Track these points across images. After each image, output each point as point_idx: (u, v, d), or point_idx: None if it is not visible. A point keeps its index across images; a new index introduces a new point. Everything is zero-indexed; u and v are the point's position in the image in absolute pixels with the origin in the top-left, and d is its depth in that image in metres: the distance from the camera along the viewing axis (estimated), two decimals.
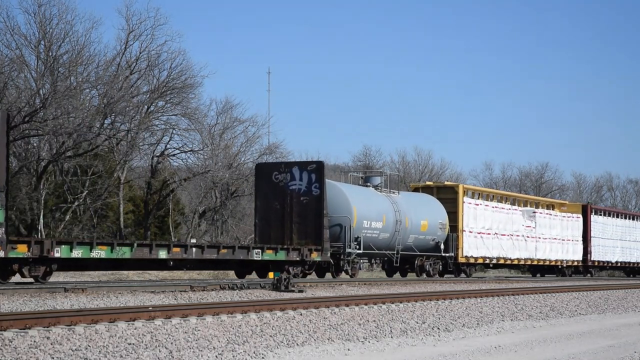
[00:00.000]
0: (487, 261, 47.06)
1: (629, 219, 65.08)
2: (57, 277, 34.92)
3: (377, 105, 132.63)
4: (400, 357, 14.16)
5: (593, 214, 59.15)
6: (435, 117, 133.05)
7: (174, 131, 56.82)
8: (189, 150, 58.34)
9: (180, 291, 23.36)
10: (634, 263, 64.58)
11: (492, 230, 46.95)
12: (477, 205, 45.83)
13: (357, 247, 35.99)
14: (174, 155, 56.83)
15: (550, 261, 53.24)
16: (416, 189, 46.73)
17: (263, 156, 61.27)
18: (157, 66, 55.78)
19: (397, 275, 43.12)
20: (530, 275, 56.96)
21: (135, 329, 14.15)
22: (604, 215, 61.44)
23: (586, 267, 58.63)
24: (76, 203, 51.74)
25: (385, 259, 40.89)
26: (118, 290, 22.80)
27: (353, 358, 13.91)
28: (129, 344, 12.98)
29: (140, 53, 55.12)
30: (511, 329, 19.37)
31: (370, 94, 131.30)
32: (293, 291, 25.25)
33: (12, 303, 18.60)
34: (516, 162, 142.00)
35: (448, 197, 44.66)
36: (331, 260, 34.92)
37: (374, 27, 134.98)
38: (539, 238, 51.60)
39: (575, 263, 56.46)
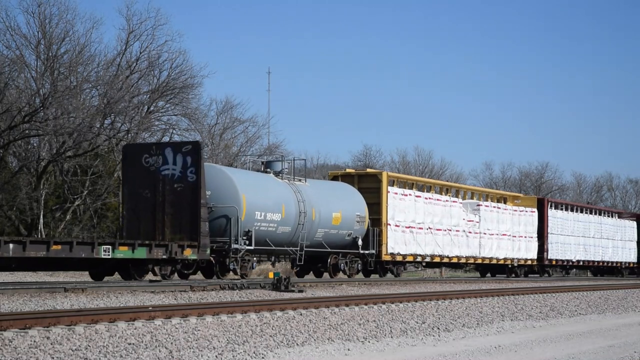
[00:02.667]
0: (419, 259, 41.87)
1: (594, 213, 60.08)
2: (58, 277, 34.95)
3: (377, 105, 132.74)
4: (400, 357, 14.16)
5: (551, 208, 54.22)
6: (435, 117, 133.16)
7: (174, 131, 56.89)
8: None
9: (180, 291, 23.36)
10: (599, 262, 59.69)
11: (424, 224, 41.71)
12: (405, 195, 40.63)
13: (248, 242, 31.02)
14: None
15: (497, 259, 48.17)
16: (335, 177, 40.84)
17: (263, 156, 61.30)
18: (158, 66, 55.89)
19: (311, 275, 37.95)
20: (479, 275, 51.67)
21: (135, 329, 14.15)
22: (564, 209, 56.34)
23: (542, 267, 53.85)
24: (76, 203, 51.75)
25: (290, 257, 35.66)
26: (118, 290, 22.80)
27: (353, 358, 13.91)
28: (129, 344, 12.98)
29: (140, 53, 55.22)
30: (511, 329, 19.37)
31: (370, 94, 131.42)
32: (293, 291, 25.25)
33: (12, 303, 18.60)
34: (516, 162, 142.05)
35: (371, 186, 39.37)
36: (211, 259, 30.01)
37: (374, 27, 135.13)
38: (484, 234, 46.50)
39: (529, 262, 51.38)
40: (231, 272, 31.44)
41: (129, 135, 53.28)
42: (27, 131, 48.70)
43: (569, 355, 15.02)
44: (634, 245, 64.29)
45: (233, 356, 13.04)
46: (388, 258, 39.37)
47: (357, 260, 37.32)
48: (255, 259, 31.83)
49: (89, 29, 53.72)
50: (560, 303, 26.25)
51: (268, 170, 34.56)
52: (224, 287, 25.12)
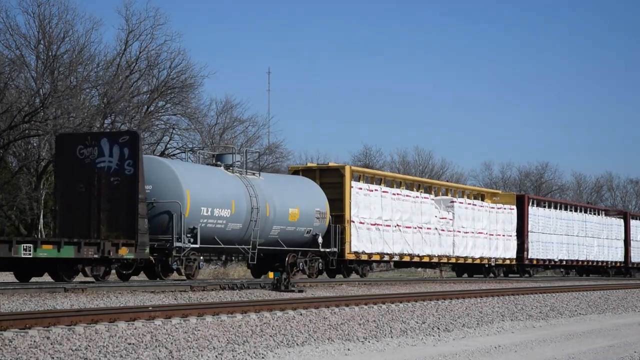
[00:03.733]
0: (387, 258, 39.37)
1: (578, 211, 57.63)
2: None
3: (377, 105, 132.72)
4: (400, 357, 14.16)
5: (532, 205, 51.81)
6: (436, 117, 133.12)
7: (174, 131, 56.90)
8: (189, 150, 58.32)
9: (180, 291, 23.37)
10: (583, 261, 57.11)
11: (392, 221, 39.15)
12: (371, 191, 38.22)
13: (192, 240, 28.98)
14: (174, 155, 56.82)
15: (473, 259, 45.64)
16: (296, 172, 38.27)
17: (263, 156, 61.31)
18: (157, 66, 55.88)
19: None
20: (455, 276, 49.14)
21: (135, 329, 14.16)
22: (546, 207, 53.77)
23: (522, 267, 51.30)
24: None
25: (241, 255, 33.56)
26: (118, 290, 22.80)
27: (353, 358, 13.91)
28: (129, 344, 12.98)
29: (140, 53, 55.20)
30: (511, 329, 19.38)
31: (370, 94, 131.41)
32: (293, 291, 25.27)
33: (12, 303, 18.60)
34: (516, 162, 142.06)
35: (333, 181, 36.99)
36: (150, 258, 27.85)
37: (374, 27, 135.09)
38: (458, 232, 44.05)
39: (508, 261, 48.84)
40: (175, 273, 29.72)
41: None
42: (27, 131, 48.72)
43: (569, 355, 15.03)
44: (621, 244, 62.02)
45: (233, 356, 13.05)
46: (352, 257, 36.99)
47: (318, 259, 35.00)
48: (202, 258, 30.00)
49: (88, 29, 53.75)
50: (560, 303, 26.25)
51: (218, 163, 32.40)
52: (224, 287, 25.13)
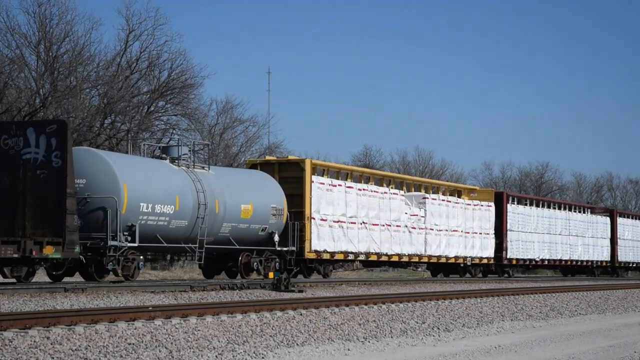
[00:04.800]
0: (351, 257, 37.13)
1: (562, 209, 55.42)
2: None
3: (377, 105, 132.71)
4: (400, 357, 14.17)
5: (512, 202, 49.72)
6: (436, 117, 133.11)
7: (174, 131, 56.89)
8: (189, 150, 58.34)
9: (180, 291, 23.39)
10: (567, 261, 55.06)
11: (358, 218, 37.10)
12: (334, 186, 36.07)
13: (130, 238, 26.91)
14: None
15: (447, 258, 43.66)
16: (253, 166, 36.03)
17: (263, 156, 61.27)
18: (158, 66, 55.89)
19: (223, 276, 33.67)
20: (430, 275, 47.71)
21: (135, 329, 14.16)
22: (526, 204, 51.74)
23: (501, 266, 49.16)
24: None
25: (189, 255, 31.60)
26: (118, 290, 22.82)
27: (353, 358, 13.92)
28: (129, 344, 12.99)
29: (140, 53, 55.23)
30: (511, 329, 19.38)
31: (370, 94, 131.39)
32: (293, 291, 25.28)
33: (12, 303, 18.61)
34: (516, 162, 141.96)
35: (293, 175, 34.92)
36: (81, 258, 25.78)
37: (374, 27, 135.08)
38: (431, 230, 41.96)
39: (486, 261, 46.89)
40: (134, 275, 27.73)
41: (129, 135, 53.31)
42: None
43: (569, 355, 15.03)
44: (607, 242, 59.98)
45: (233, 356, 13.05)
46: (312, 256, 34.82)
47: (275, 259, 32.84)
48: (142, 258, 27.89)
49: (88, 29, 53.76)
50: (560, 303, 26.25)
51: (163, 156, 30.35)
52: (224, 287, 25.15)
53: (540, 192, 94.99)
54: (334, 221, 35.83)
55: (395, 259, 40.07)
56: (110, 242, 26.38)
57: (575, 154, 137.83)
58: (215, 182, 30.63)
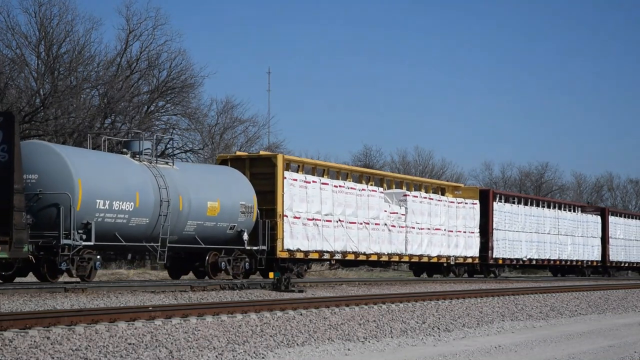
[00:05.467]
0: (327, 256, 35.61)
1: (551, 207, 53.95)
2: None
3: (377, 105, 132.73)
4: (400, 357, 14.17)
5: (498, 200, 48.07)
6: (436, 117, 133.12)
7: (174, 131, 56.92)
8: (189, 150, 58.39)
9: (180, 291, 23.39)
10: (556, 261, 53.43)
11: (334, 216, 35.56)
12: (308, 182, 34.48)
13: (85, 237, 25.46)
14: (174, 155, 56.87)
15: (429, 257, 42.12)
16: (224, 161, 34.31)
17: (127, 135, 60.98)
18: (157, 66, 55.94)
19: (192, 276, 32.36)
20: (413, 275, 46.14)
21: (135, 329, 14.17)
22: (514, 202, 50.06)
23: (487, 266, 47.50)
24: None
25: (152, 254, 29.78)
26: (118, 290, 22.82)
27: (353, 358, 13.92)
28: (129, 344, 12.99)
29: (140, 53, 55.29)
30: (511, 329, 19.38)
31: (370, 94, 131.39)
32: (293, 291, 25.28)
33: (12, 303, 18.61)
34: (516, 162, 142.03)
35: (265, 171, 33.39)
36: (30, 257, 24.33)
37: (374, 27, 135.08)
38: (412, 228, 40.46)
39: (470, 260, 45.35)
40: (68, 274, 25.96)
41: (129, 135, 53.34)
42: (27, 131, 48.73)
43: (569, 355, 15.03)
44: (598, 242, 58.27)
45: (233, 356, 13.05)
46: (285, 255, 33.25)
47: (245, 258, 31.32)
48: (99, 257, 26.47)
49: (88, 29, 53.82)
50: (560, 303, 26.26)
51: (124, 151, 28.95)
52: (224, 287, 25.16)
53: (540, 192, 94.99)
54: (308, 219, 34.32)
55: (374, 258, 38.60)
56: (64, 241, 24.98)
57: (575, 154, 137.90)
58: (180, 178, 29.21)
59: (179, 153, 57.22)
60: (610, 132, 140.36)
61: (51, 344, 12.40)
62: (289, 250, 33.35)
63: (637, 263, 64.43)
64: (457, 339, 16.93)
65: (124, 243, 27.07)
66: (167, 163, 29.70)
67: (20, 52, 51.46)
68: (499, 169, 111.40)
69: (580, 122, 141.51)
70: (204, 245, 29.82)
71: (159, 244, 28.03)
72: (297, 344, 14.58)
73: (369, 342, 15.57)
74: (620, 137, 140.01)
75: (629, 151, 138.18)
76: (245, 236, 31.03)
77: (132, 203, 27.02)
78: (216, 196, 30.10)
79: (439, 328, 18.13)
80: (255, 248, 31.54)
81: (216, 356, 12.91)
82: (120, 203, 26.68)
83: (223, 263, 30.30)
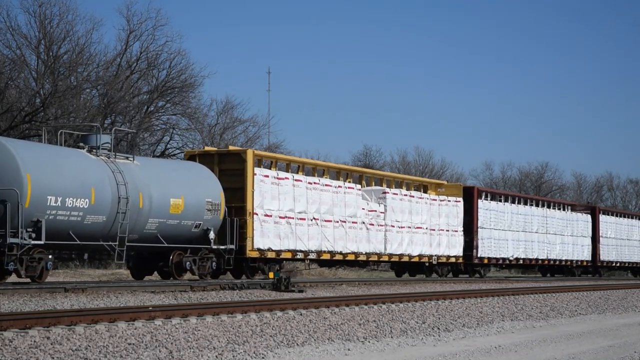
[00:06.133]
0: (300, 255, 34.15)
1: (539, 206, 52.30)
2: (58, 277, 34.95)
3: (377, 105, 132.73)
4: (400, 357, 14.17)
5: (484, 198, 46.59)
6: (435, 117, 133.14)
7: (174, 131, 56.94)
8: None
9: (180, 291, 23.40)
10: (544, 260, 52.05)
11: (308, 214, 34.14)
12: (281, 179, 33.12)
13: (35, 235, 24.05)
14: (174, 155, 56.87)
15: (410, 256, 40.62)
16: (192, 157, 32.87)
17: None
18: (157, 66, 55.94)
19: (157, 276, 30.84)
20: (395, 276, 44.84)
21: (135, 329, 14.17)
22: (500, 200, 48.54)
23: (472, 266, 45.92)
24: None
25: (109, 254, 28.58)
26: (118, 290, 22.82)
27: (353, 358, 13.92)
28: (129, 344, 12.99)
29: (140, 53, 55.29)
30: (511, 329, 19.39)
31: (370, 94, 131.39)
32: (293, 291, 25.29)
33: (12, 303, 18.61)
34: (516, 162, 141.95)
35: (234, 167, 31.97)
36: None
37: (374, 27, 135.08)
38: (392, 226, 39.03)
39: (454, 259, 43.84)
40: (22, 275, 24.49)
41: (129, 135, 53.35)
42: (27, 131, 48.77)
43: (569, 355, 15.03)
44: (588, 241, 56.85)
45: (233, 356, 13.06)
46: (255, 254, 31.77)
47: (212, 258, 29.85)
48: (50, 257, 25.17)
49: (89, 29, 53.83)
50: (560, 303, 26.26)
51: (81, 145, 27.47)
52: (224, 287, 25.17)
53: (540, 192, 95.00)
54: (281, 217, 32.90)
55: (351, 257, 37.15)
56: (11, 240, 23.46)
57: (575, 154, 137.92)
58: (140, 173, 27.74)
59: (178, 153, 57.26)
60: (610, 132, 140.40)
61: (51, 344, 12.40)
62: (259, 250, 31.96)
63: (629, 263, 63.07)
64: (457, 339, 16.93)
65: (79, 242, 25.69)
66: (127, 158, 28.18)
67: (20, 52, 51.49)
68: (499, 169, 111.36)
69: (580, 122, 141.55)
70: (166, 245, 28.34)
71: (117, 243, 26.58)
72: (297, 344, 14.58)
73: (369, 342, 15.58)
74: (620, 137, 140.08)
75: (629, 151, 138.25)
76: (212, 235, 29.67)
77: (87, 200, 25.56)
78: (180, 193, 28.72)
79: (439, 328, 18.13)
80: (222, 247, 30.18)
81: (216, 356, 12.91)
82: (74, 200, 25.23)
83: (188, 263, 29.00)
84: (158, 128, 56.88)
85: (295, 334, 15.38)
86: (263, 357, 13.25)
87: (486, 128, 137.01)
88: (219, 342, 13.88)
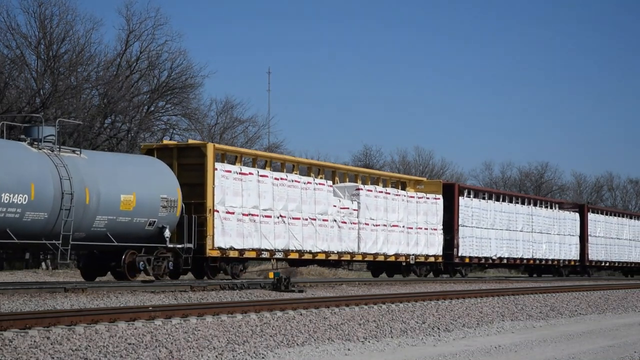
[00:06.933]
0: (266, 255, 32.69)
1: (524, 203, 50.81)
2: (57, 277, 34.96)
3: (377, 105, 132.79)
4: (400, 357, 14.17)
5: (465, 195, 45.21)
6: (436, 117, 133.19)
7: (174, 131, 56.96)
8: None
9: (180, 291, 23.40)
10: (529, 260, 50.52)
11: (274, 211, 32.68)
12: (244, 174, 31.61)
13: None
14: None
15: (386, 256, 39.07)
16: (149, 151, 31.04)
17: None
18: (158, 66, 55.98)
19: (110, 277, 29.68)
20: (371, 276, 43.34)
21: (135, 329, 14.17)
22: (484, 197, 47.04)
23: (452, 265, 44.34)
24: None
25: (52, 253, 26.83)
26: (118, 290, 22.82)
27: (353, 358, 13.92)
28: (129, 344, 12.99)
29: (140, 53, 55.32)
30: (511, 329, 19.39)
31: (370, 94, 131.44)
32: (293, 291, 25.30)
33: (12, 303, 18.61)
34: (516, 162, 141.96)
35: (194, 162, 30.48)
36: None
37: (374, 27, 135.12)
38: (366, 224, 37.50)
39: (433, 259, 42.22)
40: None
41: (129, 135, 53.39)
42: None
43: (569, 355, 15.03)
44: (576, 240, 55.30)
45: (233, 356, 13.06)
46: (216, 254, 30.32)
47: (168, 258, 28.19)
48: None
49: (89, 29, 53.86)
50: (560, 303, 26.26)
51: (23, 137, 25.76)
52: (224, 287, 25.18)
53: (540, 192, 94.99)
54: (244, 214, 31.32)
55: (321, 257, 35.52)
56: None
57: (575, 154, 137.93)
58: (87, 168, 25.96)
59: None
60: (610, 132, 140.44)
61: (51, 344, 12.40)
62: (220, 249, 30.47)
63: (618, 262, 61.36)
64: (457, 339, 16.93)
65: (17, 240, 23.87)
66: (73, 151, 26.31)
67: (20, 52, 51.50)
68: (499, 169, 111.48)
69: (580, 122, 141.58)
70: (117, 243, 26.58)
71: (61, 241, 24.89)
72: (297, 344, 14.58)
73: (369, 342, 15.58)
74: (620, 137, 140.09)
75: (629, 151, 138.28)
76: (167, 233, 27.99)
77: (25, 195, 23.89)
78: (132, 188, 27.07)
79: (439, 328, 18.13)
80: (179, 246, 28.62)
81: (216, 356, 12.91)
82: (11, 195, 23.53)
83: (141, 263, 27.36)
84: (158, 128, 56.93)
85: (295, 334, 15.38)
86: (263, 357, 13.25)
87: (486, 128, 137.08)
88: (219, 342, 13.88)
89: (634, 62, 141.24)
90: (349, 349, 14.62)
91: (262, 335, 14.80)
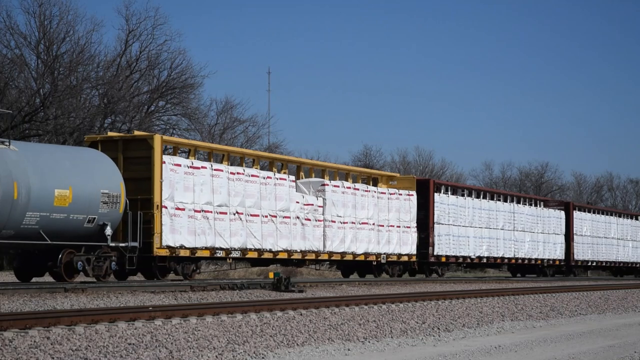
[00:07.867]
0: (221, 254, 30.92)
1: (506, 201, 48.95)
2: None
3: (377, 105, 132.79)
4: (400, 357, 14.17)
5: (442, 192, 43.44)
6: (436, 117, 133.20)
7: (174, 131, 56.98)
8: None
9: (180, 291, 23.40)
10: (511, 259, 48.83)
11: (230, 207, 30.93)
12: (195, 168, 29.90)
13: None
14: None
15: (355, 255, 37.39)
16: (93, 144, 29.01)
17: None
18: (157, 66, 56.05)
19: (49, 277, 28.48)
20: (342, 276, 41.40)
21: (135, 329, 14.17)
22: (462, 194, 45.35)
23: (428, 264, 42.62)
24: None
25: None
26: (118, 290, 22.82)
27: (353, 358, 13.92)
28: (129, 344, 12.99)
29: (140, 53, 55.38)
30: (511, 329, 19.38)
31: (370, 94, 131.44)
32: (293, 291, 25.30)
33: (12, 303, 18.61)
34: (516, 162, 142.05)
35: (140, 155, 28.62)
36: None
37: (374, 27, 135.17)
38: (332, 222, 35.78)
39: (406, 258, 40.58)
40: None
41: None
42: (27, 131, 48.79)
43: (569, 355, 15.03)
44: (561, 239, 53.62)
45: (233, 356, 13.05)
46: (164, 253, 28.67)
47: (110, 257, 26.44)
48: None
49: (89, 30, 53.93)
50: (560, 303, 26.26)
51: None
52: (224, 287, 25.18)
53: (540, 192, 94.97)
54: (196, 211, 29.65)
55: (283, 255, 33.67)
56: None
57: (575, 154, 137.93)
58: (16, 160, 24.07)
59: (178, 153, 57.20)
60: (610, 132, 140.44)
61: (51, 344, 12.40)
62: (169, 247, 28.79)
63: (606, 262, 59.68)
64: (457, 339, 16.93)
65: None
66: (2, 143, 24.34)
67: (20, 52, 51.53)
68: (499, 169, 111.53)
69: (580, 122, 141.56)
70: (51, 242, 24.74)
71: None
72: (297, 344, 14.58)
73: (369, 342, 15.57)
74: (620, 137, 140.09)
75: (629, 151, 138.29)
76: (109, 231, 26.16)
77: None
78: (67, 183, 25.21)
79: (439, 328, 18.13)
80: (122, 245, 26.93)
81: (216, 356, 12.91)
82: None
83: (80, 263, 25.61)
84: (158, 128, 56.94)
85: (295, 334, 15.37)
86: (263, 357, 13.25)
87: (486, 128, 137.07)
88: (219, 342, 13.88)
89: (633, 62, 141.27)
90: (349, 349, 14.62)
91: (262, 336, 14.80)
